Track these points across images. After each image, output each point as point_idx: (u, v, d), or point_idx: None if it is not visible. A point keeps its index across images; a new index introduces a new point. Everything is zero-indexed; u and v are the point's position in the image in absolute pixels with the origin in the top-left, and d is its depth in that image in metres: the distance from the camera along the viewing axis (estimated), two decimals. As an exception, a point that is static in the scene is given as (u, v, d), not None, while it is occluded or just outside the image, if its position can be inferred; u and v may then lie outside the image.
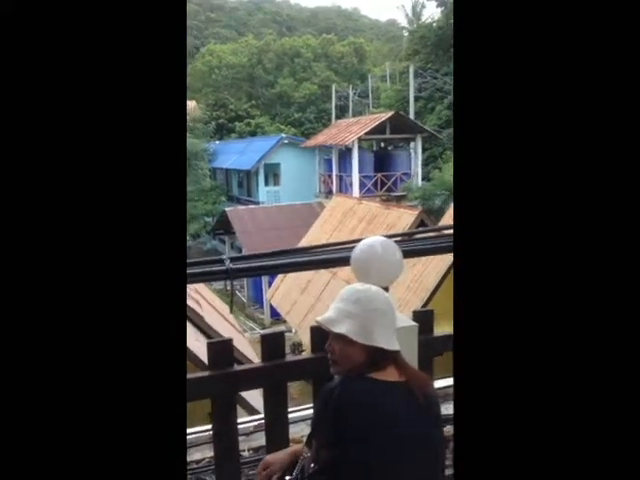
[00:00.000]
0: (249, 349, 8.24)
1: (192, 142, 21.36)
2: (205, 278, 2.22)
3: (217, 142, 26.67)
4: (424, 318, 2.03)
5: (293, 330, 12.30)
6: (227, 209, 18.31)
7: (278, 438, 1.79)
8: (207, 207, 21.02)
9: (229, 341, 1.84)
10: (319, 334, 1.77)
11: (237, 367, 1.82)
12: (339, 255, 2.14)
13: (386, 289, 1.73)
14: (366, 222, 11.91)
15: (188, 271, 1.92)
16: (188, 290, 8.63)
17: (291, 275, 12.59)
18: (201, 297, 9.23)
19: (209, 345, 1.78)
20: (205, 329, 6.48)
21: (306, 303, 11.57)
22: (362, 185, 17.23)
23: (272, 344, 1.80)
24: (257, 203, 20.72)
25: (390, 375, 1.27)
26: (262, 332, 14.09)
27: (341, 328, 1.27)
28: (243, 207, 19.15)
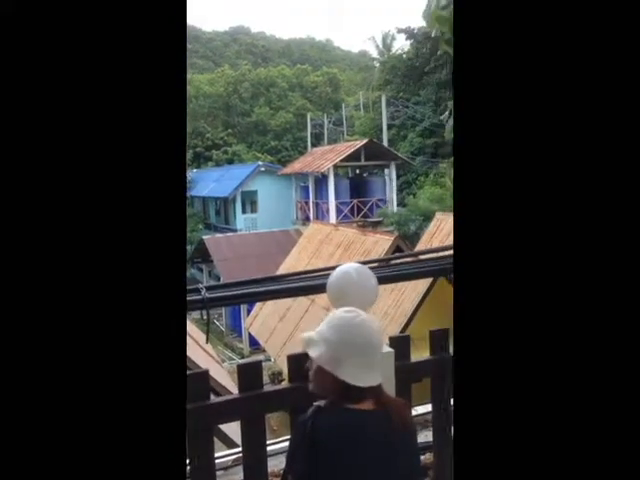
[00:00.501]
0: (227, 379, 8.10)
1: (168, 171, 21.34)
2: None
3: (194, 170, 26.70)
4: (400, 344, 2.03)
5: (272, 359, 12.17)
6: (205, 237, 18.24)
7: (257, 472, 1.78)
8: (184, 235, 20.88)
9: (205, 373, 1.83)
10: (297, 362, 1.80)
11: (213, 399, 1.81)
12: (315, 282, 2.17)
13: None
14: (343, 248, 12.00)
15: None
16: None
17: (269, 303, 12.51)
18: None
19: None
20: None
21: (285, 331, 11.49)
22: (339, 211, 17.41)
23: (249, 374, 1.80)
24: (235, 230, 20.67)
25: (366, 405, 1.23)
26: (239, 362, 13.90)
27: (314, 351, 1.25)
28: (221, 235, 19.08)
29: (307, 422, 1.23)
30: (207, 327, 2.65)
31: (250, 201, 22.35)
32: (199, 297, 1.99)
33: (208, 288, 2.13)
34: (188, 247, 20.43)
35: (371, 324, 1.28)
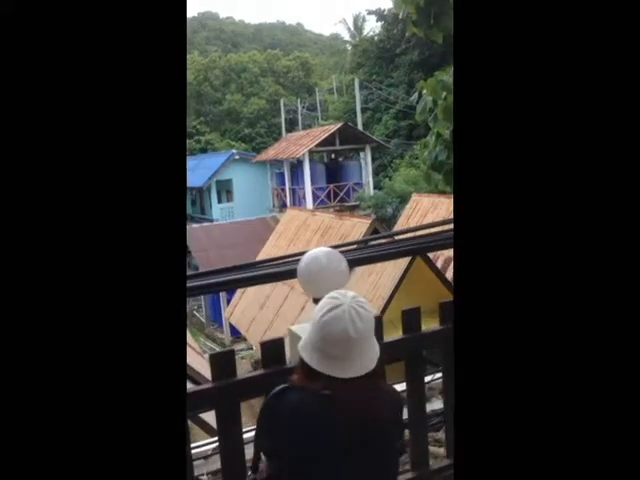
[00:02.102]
0: (209, 371, 8.08)
1: (141, 162, 21.00)
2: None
3: (167, 161, 26.24)
4: (410, 316, 2.09)
5: (254, 347, 12.17)
6: (180, 228, 17.98)
7: (234, 460, 1.77)
8: (160, 227, 20.63)
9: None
10: (270, 349, 1.80)
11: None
12: (288, 268, 2.15)
13: None
14: (320, 234, 11.99)
15: None
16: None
17: (249, 292, 12.47)
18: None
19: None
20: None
21: (265, 319, 11.48)
22: (315, 197, 17.37)
23: (222, 363, 1.79)
24: (211, 220, 20.49)
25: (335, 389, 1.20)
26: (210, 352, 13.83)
27: (297, 329, 1.29)
28: (197, 225, 18.85)
29: (273, 399, 1.25)
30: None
31: (225, 190, 22.14)
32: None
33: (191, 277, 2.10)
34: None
35: (350, 315, 1.18)
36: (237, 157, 21.97)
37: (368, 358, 1.23)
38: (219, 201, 21.96)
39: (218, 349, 14.48)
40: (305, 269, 1.81)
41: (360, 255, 2.39)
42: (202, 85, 37.06)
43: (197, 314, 17.60)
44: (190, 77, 37.27)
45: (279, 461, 1.25)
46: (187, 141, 30.12)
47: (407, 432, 2.24)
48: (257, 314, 11.93)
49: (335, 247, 2.74)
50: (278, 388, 1.26)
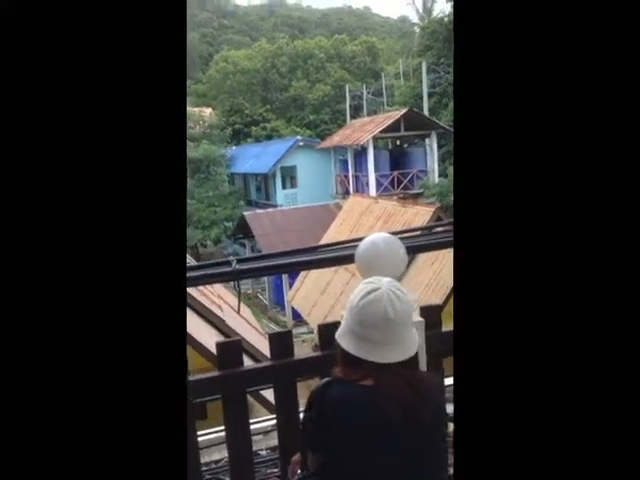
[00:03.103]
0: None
1: (209, 149, 21.73)
2: (211, 280, 2.33)
3: (234, 147, 26.94)
4: (431, 314, 2.03)
5: (314, 331, 12.38)
6: (246, 213, 18.51)
7: (290, 436, 1.83)
8: (226, 212, 21.28)
9: (237, 341, 1.93)
10: (327, 331, 1.83)
11: (246, 366, 1.88)
12: (344, 253, 2.18)
13: None
14: (383, 221, 11.93)
15: (195, 274, 2.02)
16: (210, 294, 8.74)
17: (311, 277, 12.66)
18: (223, 302, 9.37)
19: (218, 345, 1.84)
20: (227, 332, 6.47)
21: (326, 304, 11.64)
22: (379, 184, 17.22)
23: (280, 343, 1.86)
24: (275, 206, 20.85)
25: (371, 381, 1.19)
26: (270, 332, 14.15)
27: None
28: (261, 211, 19.31)
29: (317, 393, 1.24)
30: (238, 297, 2.74)
31: (290, 176, 22.40)
32: (229, 269, 2.04)
33: (239, 260, 2.19)
34: (230, 224, 20.88)
35: (384, 301, 1.17)
36: (301, 143, 22.13)
37: (408, 344, 1.21)
38: (283, 187, 22.26)
39: (280, 331, 14.79)
40: (363, 254, 1.81)
41: (422, 242, 2.38)
42: (269, 72, 37.56)
43: (260, 297, 18.11)
44: (257, 65, 37.89)
45: (327, 454, 1.23)
46: (253, 128, 30.76)
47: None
48: (318, 299, 12.11)
49: (397, 233, 2.75)
50: (321, 382, 1.25)
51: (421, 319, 1.87)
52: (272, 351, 1.89)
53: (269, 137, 29.69)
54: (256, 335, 9.29)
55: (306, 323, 13.30)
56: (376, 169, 17.30)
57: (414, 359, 1.24)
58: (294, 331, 2.20)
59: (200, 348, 5.38)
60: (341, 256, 2.25)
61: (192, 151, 20.60)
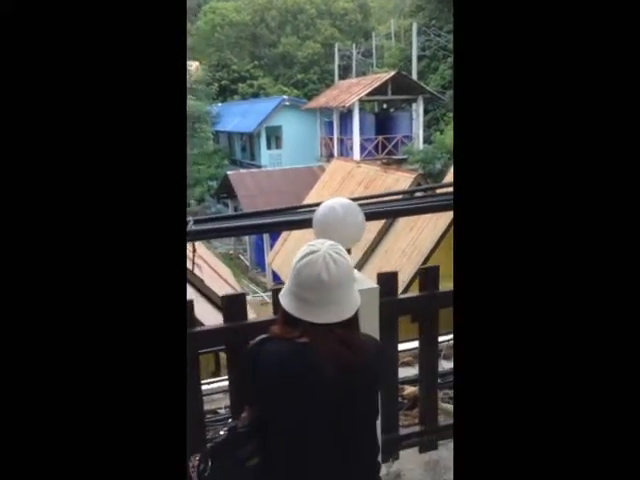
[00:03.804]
0: (250, 312, 8.47)
1: (195, 104, 21.13)
2: None
3: (219, 105, 26.36)
4: (388, 281, 2.14)
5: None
6: (229, 172, 18.32)
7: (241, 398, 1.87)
8: (210, 171, 21.04)
9: (242, 295, 2.01)
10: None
11: (198, 328, 1.96)
12: (303, 217, 2.21)
13: (348, 251, 1.73)
14: (364, 186, 11.97)
15: None
16: (188, 253, 8.79)
17: (291, 240, 12.75)
18: (203, 261, 9.43)
19: (223, 298, 1.96)
20: (206, 292, 6.64)
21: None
22: (363, 148, 17.13)
23: (233, 305, 1.93)
24: (259, 167, 20.64)
25: (309, 338, 1.22)
26: (262, 294, 14.38)
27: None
28: (245, 170, 19.14)
29: (252, 348, 1.28)
30: (193, 259, 2.81)
31: (275, 136, 22.08)
32: (187, 229, 2.08)
33: (197, 221, 2.25)
34: (214, 183, 20.68)
35: (325, 260, 1.19)
36: (287, 103, 21.69)
37: (344, 306, 1.23)
38: (268, 147, 21.97)
39: (261, 292, 15.07)
40: (320, 218, 1.80)
41: (401, 206, 2.42)
42: (258, 27, 36.30)
43: (242, 257, 18.22)
44: (246, 18, 36.48)
45: (261, 407, 1.28)
46: (240, 85, 30.04)
47: (417, 388, 2.33)
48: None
49: (379, 196, 2.75)
50: (258, 338, 1.28)
51: (376, 286, 1.93)
52: (225, 313, 1.96)
53: (256, 95, 29.03)
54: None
55: (285, 284, 13.43)
56: (361, 132, 17.18)
57: (353, 321, 1.27)
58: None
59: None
60: (300, 220, 2.28)
61: (176, 107, 20.12)
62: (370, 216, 2.22)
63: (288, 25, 36.80)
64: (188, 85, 22.63)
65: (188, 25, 42.37)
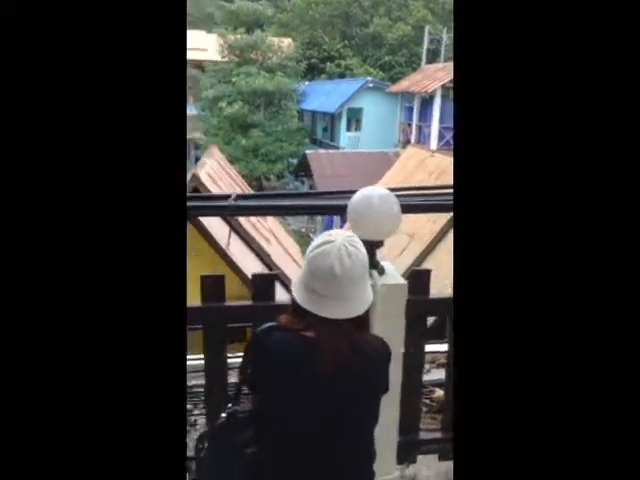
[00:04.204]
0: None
1: (283, 81, 21.43)
2: (207, 212, 2.50)
3: (307, 83, 26.62)
4: (419, 278, 2.02)
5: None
6: (307, 151, 18.61)
7: (217, 379, 1.97)
8: (291, 148, 21.33)
9: (221, 277, 1.95)
10: (261, 282, 1.90)
11: (229, 302, 1.96)
12: (339, 203, 2.10)
13: (381, 243, 1.76)
14: (435, 176, 11.90)
15: (191, 204, 2.04)
16: (261, 227, 9.17)
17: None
18: (272, 235, 9.89)
19: (202, 279, 1.90)
20: (271, 266, 6.90)
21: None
22: (441, 137, 16.59)
23: (212, 286, 1.91)
24: (338, 148, 20.66)
25: (317, 332, 1.18)
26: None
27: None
28: (323, 151, 19.29)
29: (257, 335, 1.25)
30: (229, 233, 2.95)
31: (355, 119, 21.91)
32: (225, 204, 2.14)
33: (242, 197, 2.31)
34: (294, 161, 21.12)
35: (339, 252, 1.14)
36: (371, 85, 21.34)
37: (355, 302, 1.18)
38: (348, 129, 21.84)
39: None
40: (355, 207, 1.72)
41: (443, 201, 2.24)
42: (351, 6, 35.97)
43: (312, 235, 18.73)
44: (340, -4, 36.25)
45: (261, 396, 1.26)
46: (328, 64, 30.02)
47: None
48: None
49: (427, 188, 2.62)
50: (265, 325, 1.25)
51: (403, 282, 1.82)
52: (203, 294, 1.91)
53: (342, 75, 28.93)
54: (298, 270, 9.70)
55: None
56: (441, 120, 16.57)
57: (363, 319, 1.22)
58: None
59: (240, 274, 5.90)
60: (335, 205, 2.28)
61: (267, 82, 20.54)
62: (409, 209, 2.08)
63: (381, 5, 36.12)
64: (279, 61, 23.04)
65: (286, 1, 42.53)
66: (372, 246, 1.69)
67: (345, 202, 1.78)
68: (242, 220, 6.59)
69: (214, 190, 6.82)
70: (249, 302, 1.98)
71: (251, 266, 6.23)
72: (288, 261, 9.50)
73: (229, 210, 2.19)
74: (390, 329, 1.52)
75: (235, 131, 20.61)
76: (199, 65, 23.96)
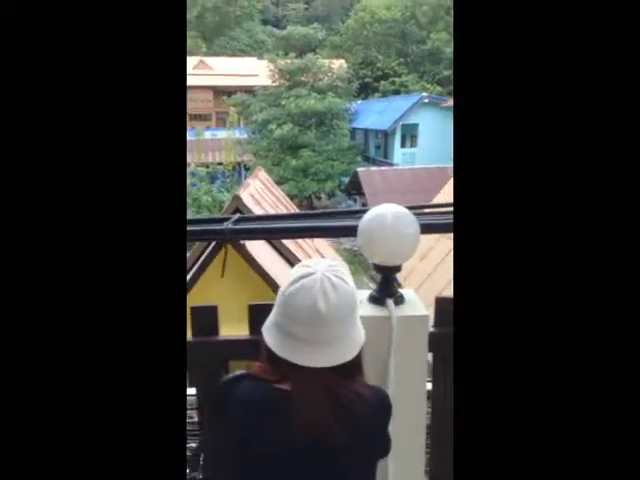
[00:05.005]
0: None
1: (333, 101, 21.57)
2: (200, 237, 2.23)
3: (360, 102, 26.62)
4: (446, 307, 1.68)
5: (409, 297, 12.13)
6: (359, 169, 18.43)
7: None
8: (343, 167, 21.26)
9: (214, 308, 1.70)
10: (257, 314, 1.60)
11: (224, 336, 1.72)
12: (347, 224, 1.92)
13: (397, 268, 1.54)
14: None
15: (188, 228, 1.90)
16: (305, 246, 8.88)
17: (411, 241, 12.27)
18: (319, 255, 9.47)
19: (192, 310, 1.68)
20: None
21: (423, 271, 11.21)
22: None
23: (203, 318, 1.66)
24: (392, 165, 20.50)
25: (292, 384, 1.01)
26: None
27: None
28: (375, 168, 19.19)
29: (222, 388, 1.08)
30: (224, 260, 2.62)
31: (410, 135, 21.71)
32: (221, 227, 1.88)
33: (239, 219, 2.04)
34: (346, 179, 20.94)
35: (322, 286, 0.95)
36: (426, 100, 21.11)
37: (344, 345, 0.99)
38: (402, 145, 21.66)
39: (379, 292, 14.77)
40: (366, 227, 1.51)
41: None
42: (407, 23, 35.94)
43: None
44: (397, 14, 36.39)
45: (224, 463, 1.08)
46: (382, 82, 29.95)
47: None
48: (417, 264, 11.70)
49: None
50: (233, 374, 1.08)
51: (424, 313, 1.55)
52: (251, 325, 1.68)
53: (397, 92, 28.83)
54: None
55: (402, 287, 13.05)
56: None
57: (353, 365, 1.02)
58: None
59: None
60: (342, 226, 2.00)
61: (317, 103, 20.72)
62: (429, 228, 1.85)
63: (440, 21, 35.74)
64: (330, 82, 23.25)
65: (340, 24, 43.80)
66: (388, 272, 1.56)
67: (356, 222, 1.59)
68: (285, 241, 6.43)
69: (256, 211, 6.74)
70: (246, 335, 1.68)
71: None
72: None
73: (225, 234, 1.87)
74: (409, 368, 1.43)
75: (285, 152, 20.93)
76: (250, 90, 24.93)
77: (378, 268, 1.59)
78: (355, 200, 20.14)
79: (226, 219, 1.95)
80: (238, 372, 1.08)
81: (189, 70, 34.00)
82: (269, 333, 1.03)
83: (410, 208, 1.97)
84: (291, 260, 6.47)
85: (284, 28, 27.98)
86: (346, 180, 21.06)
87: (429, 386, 1.80)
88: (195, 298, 5.87)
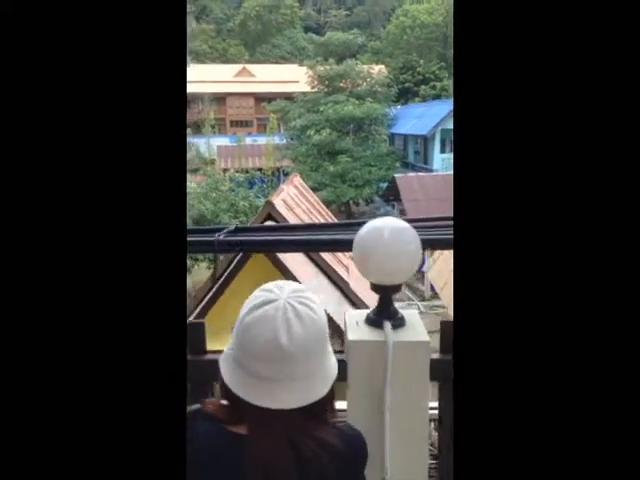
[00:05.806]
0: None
1: (372, 107, 21.41)
2: (191, 249, 2.16)
3: (398, 107, 26.34)
4: (450, 331, 1.54)
5: (446, 306, 11.85)
6: (396, 175, 18.18)
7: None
8: (381, 172, 21.07)
9: (201, 324, 1.64)
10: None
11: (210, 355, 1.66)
12: (344, 237, 1.81)
13: (397, 288, 1.45)
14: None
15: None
16: (339, 254, 8.77)
17: (447, 253, 11.99)
18: (352, 263, 9.33)
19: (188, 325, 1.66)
20: (349, 295, 6.37)
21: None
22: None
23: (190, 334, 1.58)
24: (431, 170, 20.09)
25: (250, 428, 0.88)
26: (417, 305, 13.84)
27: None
28: (413, 174, 18.78)
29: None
30: (214, 268, 2.58)
31: (450, 140, 21.10)
32: (212, 238, 1.84)
33: (237, 230, 1.98)
34: (384, 185, 20.73)
35: (285, 315, 0.84)
36: (468, 105, 20.68)
37: (312, 383, 0.87)
38: (442, 151, 21.19)
39: (416, 301, 14.50)
40: (361, 241, 1.41)
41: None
42: (449, 27, 35.42)
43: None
44: (438, 19, 35.95)
45: None
46: (422, 87, 29.55)
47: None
48: (450, 277, 11.45)
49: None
50: (190, 408, 0.94)
51: (426, 339, 1.42)
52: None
53: (437, 97, 28.35)
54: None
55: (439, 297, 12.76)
56: None
57: (324, 405, 0.90)
58: (430, 303, 1.98)
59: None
60: (336, 240, 1.92)
61: (356, 109, 20.62)
62: (430, 243, 1.80)
63: (482, 23, 35.02)
64: (369, 87, 23.12)
65: (381, 30, 43.65)
66: (387, 292, 1.47)
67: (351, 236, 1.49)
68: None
69: (289, 217, 6.63)
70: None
71: (330, 299, 5.85)
72: (368, 288, 8.79)
73: (214, 246, 1.83)
74: (408, 397, 1.36)
75: (323, 158, 20.93)
76: (290, 97, 25.05)
77: (375, 287, 1.50)
78: (393, 206, 19.84)
79: (222, 229, 1.92)
80: (194, 407, 0.95)
81: (230, 77, 34.70)
82: (226, 365, 0.90)
83: (443, 219, 1.89)
84: (327, 272, 6.35)
85: (323, 34, 28.06)
86: (384, 186, 20.80)
87: (434, 412, 1.72)
88: (224, 305, 5.91)
